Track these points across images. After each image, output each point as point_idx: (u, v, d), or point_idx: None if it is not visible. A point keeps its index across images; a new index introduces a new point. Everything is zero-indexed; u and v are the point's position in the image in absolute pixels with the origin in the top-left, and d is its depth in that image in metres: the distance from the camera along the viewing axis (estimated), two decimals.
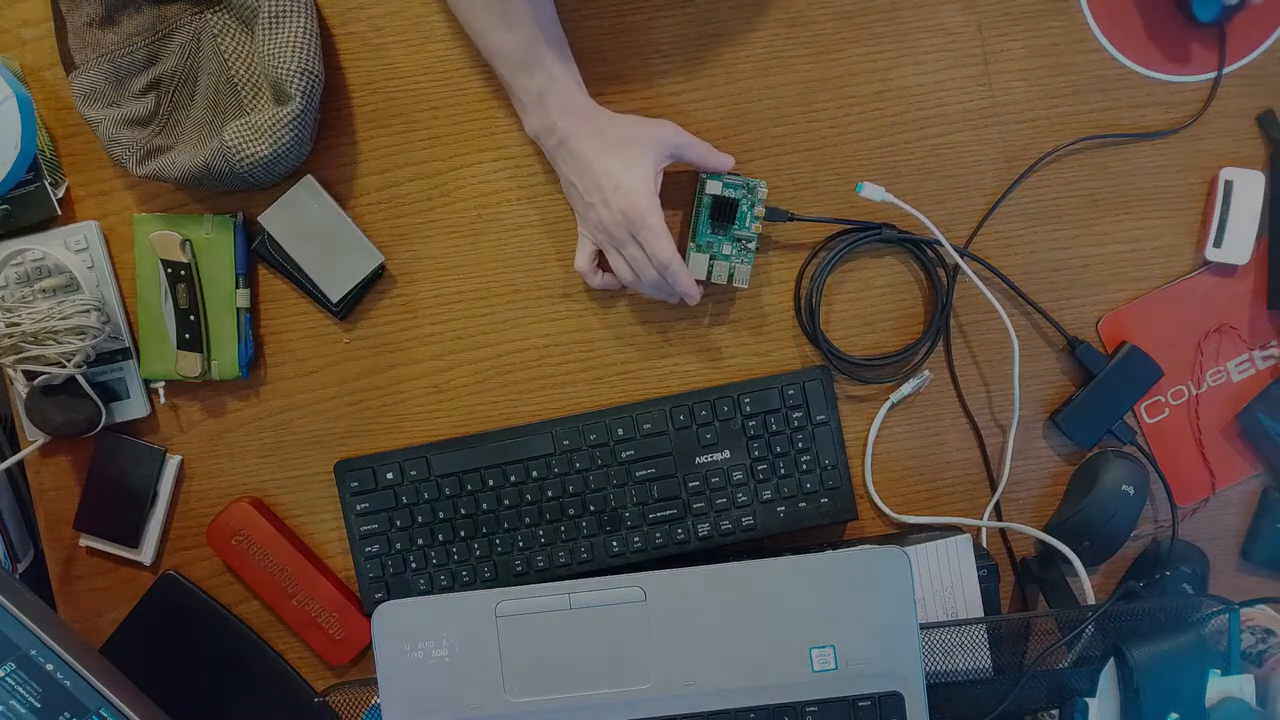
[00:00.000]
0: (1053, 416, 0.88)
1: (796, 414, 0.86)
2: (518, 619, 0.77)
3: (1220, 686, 0.75)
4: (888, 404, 0.88)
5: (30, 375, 0.83)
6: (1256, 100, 0.86)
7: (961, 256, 0.86)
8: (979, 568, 0.82)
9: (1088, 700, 0.77)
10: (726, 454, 0.86)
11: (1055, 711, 0.79)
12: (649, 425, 0.86)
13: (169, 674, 0.88)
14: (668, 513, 0.86)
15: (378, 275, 0.87)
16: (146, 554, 0.89)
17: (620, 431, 0.86)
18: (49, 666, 0.75)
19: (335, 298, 0.86)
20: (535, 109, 0.79)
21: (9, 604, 0.74)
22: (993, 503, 0.88)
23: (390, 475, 0.86)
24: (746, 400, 0.85)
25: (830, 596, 0.76)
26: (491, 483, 0.86)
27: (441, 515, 0.86)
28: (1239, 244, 0.86)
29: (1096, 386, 0.86)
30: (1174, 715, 0.74)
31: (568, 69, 0.79)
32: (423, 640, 0.78)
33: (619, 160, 0.78)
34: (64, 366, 0.83)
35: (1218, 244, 0.86)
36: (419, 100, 0.86)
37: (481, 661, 0.77)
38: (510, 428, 0.87)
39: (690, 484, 0.86)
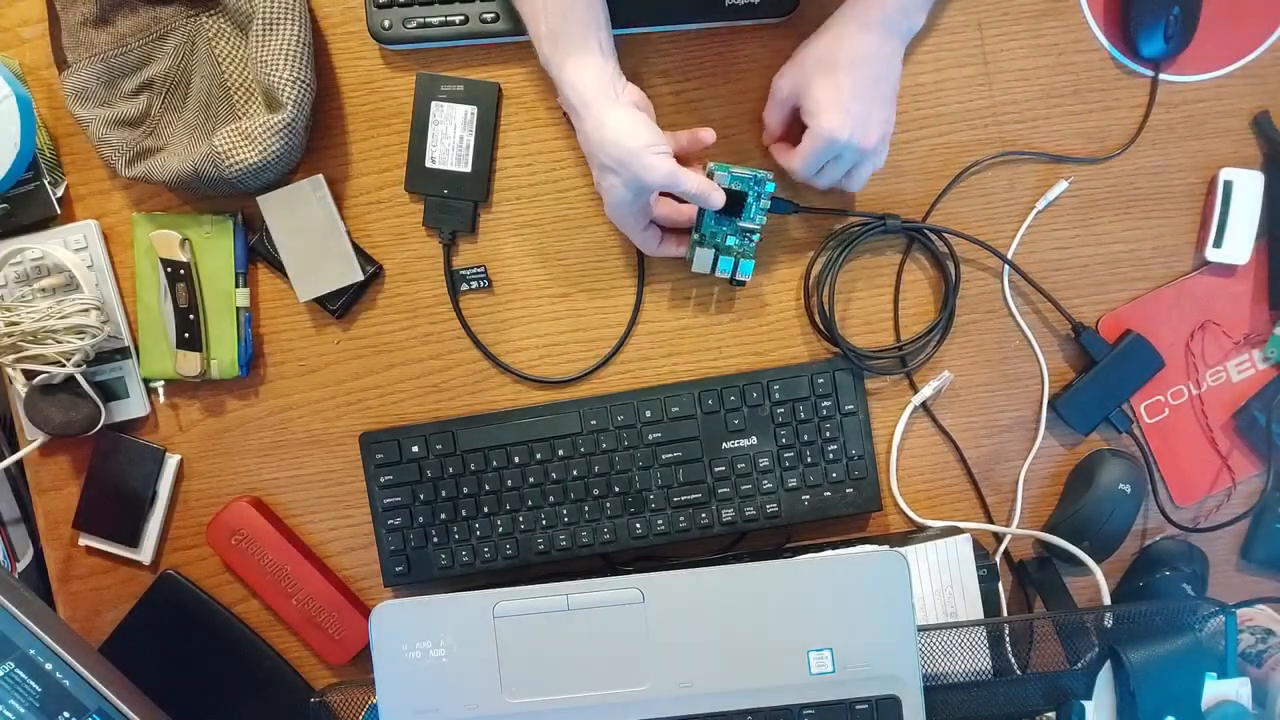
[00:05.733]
0: (1052, 402, 0.87)
1: (825, 403, 0.85)
2: (515, 619, 0.77)
3: (1216, 690, 0.75)
4: (911, 406, 0.87)
5: (29, 374, 0.84)
6: (1256, 100, 0.86)
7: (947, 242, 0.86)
8: (978, 568, 0.82)
9: (1084, 703, 0.77)
10: (754, 440, 0.85)
11: (1052, 714, 0.79)
12: (677, 409, 0.85)
13: (168, 673, 0.88)
14: (692, 497, 0.85)
15: (363, 282, 0.87)
16: (146, 553, 0.89)
17: (648, 414, 0.85)
18: (48, 666, 0.75)
19: (302, 298, 0.86)
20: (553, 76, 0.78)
21: (8, 604, 0.75)
22: (1013, 509, 0.89)
23: (415, 448, 0.86)
24: (776, 387, 0.85)
25: (828, 599, 0.76)
26: (517, 459, 0.86)
27: (465, 490, 0.86)
28: (1238, 244, 0.85)
29: (1098, 373, 0.86)
30: (1170, 718, 0.74)
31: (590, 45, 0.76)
32: (420, 640, 0.78)
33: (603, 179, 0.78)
34: (63, 365, 0.83)
35: (1218, 244, 0.86)
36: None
37: (479, 662, 0.77)
38: (536, 405, 0.87)
39: (716, 469, 0.85)
